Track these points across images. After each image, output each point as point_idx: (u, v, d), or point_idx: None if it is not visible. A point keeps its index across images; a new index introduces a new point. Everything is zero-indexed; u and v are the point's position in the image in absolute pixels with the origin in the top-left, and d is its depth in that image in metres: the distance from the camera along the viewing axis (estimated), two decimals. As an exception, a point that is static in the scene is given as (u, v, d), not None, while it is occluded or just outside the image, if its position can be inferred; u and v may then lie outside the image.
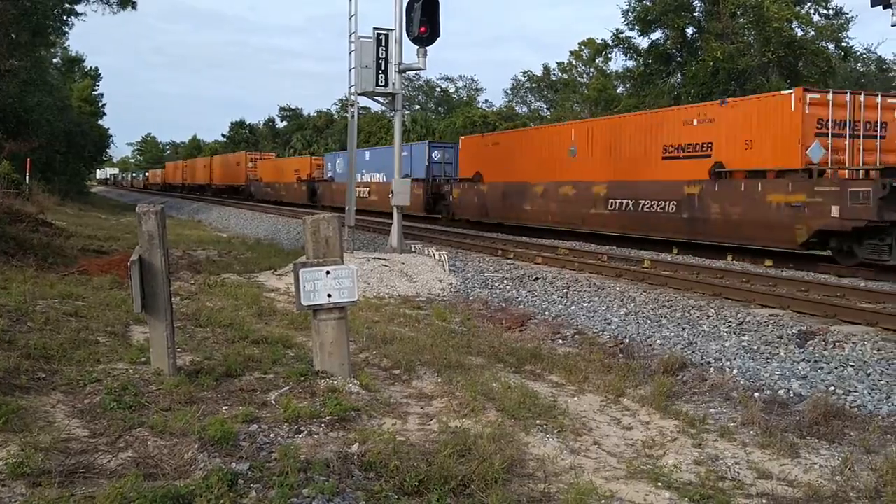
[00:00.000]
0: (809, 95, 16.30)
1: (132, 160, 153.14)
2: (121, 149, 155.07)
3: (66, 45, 47.87)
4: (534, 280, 14.48)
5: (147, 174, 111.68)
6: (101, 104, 68.29)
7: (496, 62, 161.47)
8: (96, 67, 66.68)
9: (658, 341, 9.94)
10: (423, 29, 16.24)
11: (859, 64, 39.34)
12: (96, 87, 66.79)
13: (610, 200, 21.20)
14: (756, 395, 7.51)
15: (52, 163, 41.15)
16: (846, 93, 16.86)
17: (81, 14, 26.62)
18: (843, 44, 36.67)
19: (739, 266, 15.93)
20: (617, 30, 40.27)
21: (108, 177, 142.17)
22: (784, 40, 33.40)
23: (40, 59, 31.84)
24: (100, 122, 66.13)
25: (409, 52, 17.16)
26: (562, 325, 11.16)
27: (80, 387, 5.99)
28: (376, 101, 18.56)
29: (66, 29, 28.00)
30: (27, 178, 31.90)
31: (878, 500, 4.86)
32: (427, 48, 16.70)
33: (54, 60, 46.46)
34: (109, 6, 27.22)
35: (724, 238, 17.94)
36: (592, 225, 22.17)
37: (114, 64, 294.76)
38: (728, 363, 8.70)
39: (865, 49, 39.81)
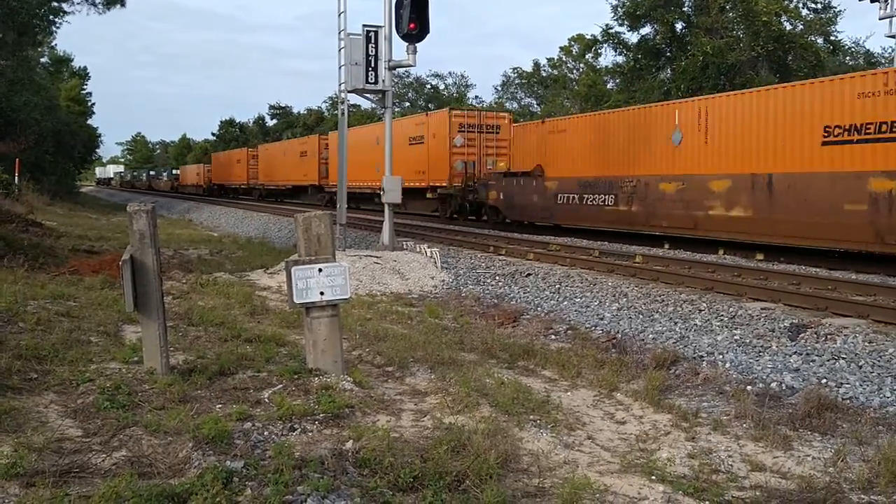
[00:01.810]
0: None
1: (122, 159, 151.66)
2: (110, 148, 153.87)
3: (53, 44, 47.60)
4: (526, 276, 14.49)
5: (177, 172, 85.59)
6: (89, 104, 68.04)
7: (486, 58, 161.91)
8: (84, 67, 66.45)
9: (650, 336, 9.97)
10: (412, 25, 16.23)
11: (848, 58, 39.50)
12: (84, 87, 66.55)
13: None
14: (748, 388, 7.54)
15: (41, 163, 40.96)
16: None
17: (69, 13, 26.40)
18: (832, 38, 36.81)
19: (731, 260, 15.99)
20: (606, 25, 40.34)
21: (112, 176, 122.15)
22: (773, 34, 33.48)
23: (27, 59, 31.65)
24: (89, 121, 65.92)
25: (399, 48, 17.15)
26: (554, 320, 11.18)
27: (73, 387, 5.97)
28: (366, 98, 18.55)
29: (54, 28, 27.78)
30: (16, 178, 31.74)
31: (870, 491, 4.88)
32: (416, 45, 16.69)
33: (42, 60, 46.20)
34: (95, 7, 27.00)
35: None
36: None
37: (103, 63, 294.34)
38: (720, 357, 8.73)
39: (854, 43, 40.08)
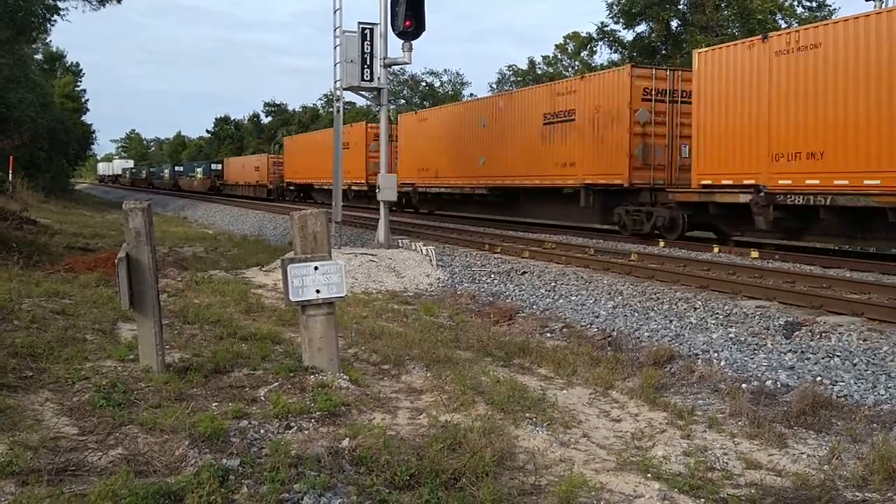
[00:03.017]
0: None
1: (116, 157, 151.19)
2: (104, 146, 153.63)
3: (48, 41, 47.46)
4: (521, 274, 14.50)
5: (217, 166, 61.70)
6: (83, 100, 67.96)
7: (481, 56, 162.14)
8: (77, 63, 66.38)
9: (646, 334, 9.98)
10: (408, 23, 16.22)
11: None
12: (79, 84, 66.47)
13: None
14: (744, 386, 7.56)
15: (35, 160, 40.85)
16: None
17: (64, 10, 26.33)
18: (827, 36, 36.85)
19: (726, 258, 16.01)
20: (602, 23, 40.57)
21: (119, 172, 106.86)
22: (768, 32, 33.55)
23: (22, 56, 31.56)
24: (83, 118, 65.81)
25: (395, 46, 17.16)
26: (550, 318, 11.19)
27: (69, 385, 5.95)
28: (362, 95, 18.53)
29: (49, 25, 27.71)
30: (10, 175, 31.65)
31: (864, 488, 4.90)
32: (412, 42, 16.69)
33: (36, 57, 46.06)
34: (90, 2, 26.91)
35: None
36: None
37: (97, 60, 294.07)
38: (716, 355, 8.75)
39: (848, 41, 40.12)
